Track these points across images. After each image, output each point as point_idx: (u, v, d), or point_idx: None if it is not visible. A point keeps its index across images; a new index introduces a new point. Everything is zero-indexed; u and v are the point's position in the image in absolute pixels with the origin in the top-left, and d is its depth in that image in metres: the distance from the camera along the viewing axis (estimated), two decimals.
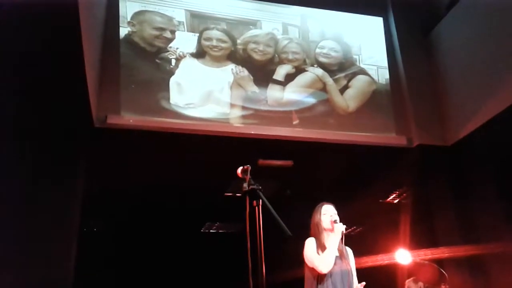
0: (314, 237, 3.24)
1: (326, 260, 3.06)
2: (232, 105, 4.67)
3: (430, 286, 4.25)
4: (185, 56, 4.72)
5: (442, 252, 4.78)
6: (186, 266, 7.18)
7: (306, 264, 3.18)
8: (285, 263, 4.25)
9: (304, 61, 5.13)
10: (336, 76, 5.16)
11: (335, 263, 3.08)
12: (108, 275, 6.51)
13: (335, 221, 3.20)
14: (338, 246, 3.17)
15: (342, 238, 3.17)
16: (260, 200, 2.23)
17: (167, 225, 6.65)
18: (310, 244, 3.21)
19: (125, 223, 6.50)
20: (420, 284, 4.28)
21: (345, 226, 3.20)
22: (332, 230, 3.20)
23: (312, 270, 3.11)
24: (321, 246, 3.17)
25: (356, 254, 3.26)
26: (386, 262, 4.94)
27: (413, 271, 4.51)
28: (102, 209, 5.73)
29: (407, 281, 4.40)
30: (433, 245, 4.96)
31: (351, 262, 3.24)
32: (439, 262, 4.62)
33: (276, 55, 5.06)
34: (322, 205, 3.36)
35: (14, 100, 3.61)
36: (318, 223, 3.26)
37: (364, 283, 3.16)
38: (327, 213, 3.28)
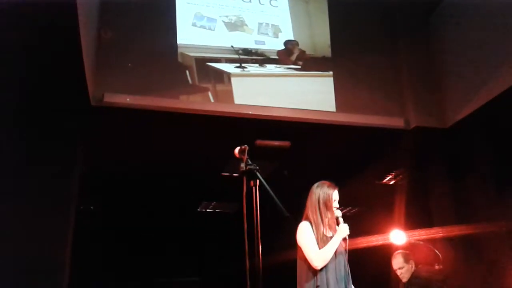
0: (313, 221, 3.09)
1: (324, 257, 2.96)
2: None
3: (422, 266, 4.31)
4: None
5: (436, 233, 4.83)
6: (182, 245, 7.24)
7: (300, 249, 3.07)
8: (282, 244, 4.28)
9: None
10: None
11: (335, 253, 3.01)
12: (104, 253, 6.57)
13: (337, 219, 3.09)
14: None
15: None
16: (257, 180, 2.23)
17: (163, 204, 6.68)
18: (306, 230, 3.06)
19: (122, 202, 6.52)
20: (412, 262, 4.33)
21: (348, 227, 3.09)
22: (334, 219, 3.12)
23: (306, 260, 3.02)
24: (319, 235, 3.04)
25: (352, 235, 3.24)
26: (381, 242, 4.99)
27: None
28: (99, 188, 5.74)
29: (396, 252, 4.43)
30: (428, 226, 5.01)
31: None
32: (434, 243, 4.67)
33: None
34: (333, 188, 3.18)
35: (10, 78, 3.58)
36: (324, 205, 3.11)
37: None
38: (335, 202, 3.14)
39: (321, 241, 3.04)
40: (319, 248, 3.01)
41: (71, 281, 3.90)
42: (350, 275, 3.10)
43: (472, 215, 4.69)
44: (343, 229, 3.06)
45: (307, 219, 3.15)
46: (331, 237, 3.07)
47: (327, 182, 3.23)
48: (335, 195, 3.18)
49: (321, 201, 3.14)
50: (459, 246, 4.73)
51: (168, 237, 7.22)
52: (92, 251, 6.12)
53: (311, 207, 3.16)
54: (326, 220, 3.12)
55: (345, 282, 3.03)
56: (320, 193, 3.16)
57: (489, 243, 4.56)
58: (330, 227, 3.14)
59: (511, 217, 4.41)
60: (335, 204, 3.16)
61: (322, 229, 3.10)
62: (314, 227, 3.08)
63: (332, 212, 3.14)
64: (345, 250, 3.11)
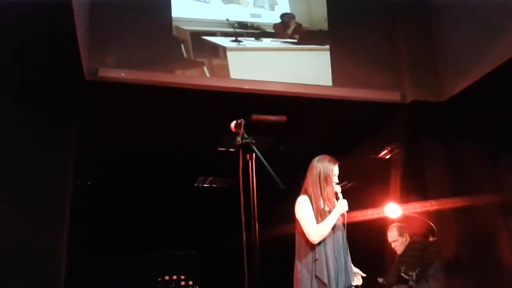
0: (312, 195, 3.11)
1: (321, 232, 2.99)
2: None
3: (417, 238, 4.37)
4: None
5: (431, 206, 4.88)
6: (180, 220, 7.29)
7: (298, 223, 3.11)
8: (278, 217, 4.32)
9: None
10: None
11: (333, 227, 3.04)
12: (101, 229, 6.61)
13: (336, 194, 3.12)
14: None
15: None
16: (254, 154, 2.24)
17: (160, 179, 6.69)
18: (304, 204, 3.09)
19: (119, 177, 6.54)
20: (406, 236, 4.40)
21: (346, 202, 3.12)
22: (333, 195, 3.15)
23: (304, 234, 3.06)
24: (318, 209, 3.07)
25: (348, 209, 3.26)
26: (376, 216, 5.04)
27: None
28: (96, 163, 5.74)
29: (391, 225, 4.50)
30: (423, 200, 5.05)
31: None
32: (429, 216, 4.73)
33: None
34: (334, 162, 3.18)
35: (3, 54, 3.53)
36: (325, 180, 3.12)
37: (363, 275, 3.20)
38: (336, 177, 3.16)
39: (319, 215, 3.06)
40: (317, 223, 3.04)
41: (69, 256, 3.93)
42: (348, 249, 3.14)
43: (468, 188, 4.73)
44: (342, 204, 3.09)
45: (306, 193, 3.17)
46: (329, 212, 3.10)
47: (327, 157, 3.24)
48: (335, 170, 3.19)
49: (322, 175, 3.15)
50: (454, 218, 4.78)
51: (166, 212, 7.25)
52: (90, 226, 6.15)
53: (311, 181, 3.17)
54: (325, 195, 3.14)
55: (343, 255, 3.07)
56: (321, 167, 3.17)
57: (484, 215, 4.62)
58: (328, 202, 3.16)
59: (506, 190, 4.46)
60: (335, 179, 3.18)
61: (320, 204, 3.12)
62: (312, 201, 3.11)
63: (332, 187, 3.16)
64: (343, 225, 3.15)
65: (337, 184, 3.19)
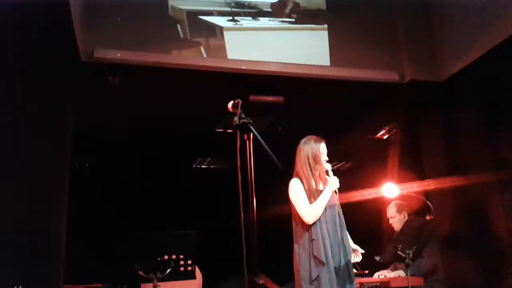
0: (303, 177, 3.14)
1: (315, 212, 3.02)
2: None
3: (413, 217, 4.41)
4: None
5: (428, 185, 4.91)
6: (178, 201, 7.32)
7: (293, 206, 3.13)
8: (276, 197, 4.33)
9: None
10: None
11: (327, 205, 3.07)
12: (99, 211, 6.63)
13: (327, 172, 3.13)
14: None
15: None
16: (251, 134, 2.23)
17: (158, 161, 6.70)
18: (297, 187, 3.11)
19: (117, 158, 6.53)
20: (404, 213, 4.44)
21: (337, 179, 3.14)
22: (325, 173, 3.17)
23: (299, 216, 3.09)
24: (310, 190, 3.10)
25: (346, 189, 3.28)
26: (374, 196, 5.08)
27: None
28: (93, 144, 5.73)
29: (392, 203, 4.55)
30: (421, 179, 5.08)
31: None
32: (426, 195, 4.76)
33: None
34: (320, 141, 3.21)
35: None
36: (314, 160, 3.14)
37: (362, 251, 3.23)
38: (324, 155, 3.18)
39: (312, 196, 3.09)
40: (310, 203, 3.06)
41: (68, 237, 3.95)
42: (344, 226, 3.16)
43: (465, 167, 4.75)
44: (333, 182, 3.11)
45: (297, 175, 3.20)
46: (323, 191, 3.12)
47: (313, 137, 3.26)
48: (322, 148, 3.21)
49: (310, 156, 3.18)
50: (452, 197, 4.81)
51: (165, 193, 7.28)
52: (88, 208, 6.17)
53: (300, 164, 3.20)
54: (316, 174, 3.17)
55: (339, 232, 3.09)
56: (308, 148, 3.20)
57: (480, 194, 4.65)
58: (321, 181, 3.18)
59: (502, 168, 4.48)
60: (324, 157, 3.19)
61: (312, 184, 3.14)
62: (304, 183, 3.13)
63: (322, 166, 3.18)
64: (337, 202, 3.17)
65: (327, 162, 3.21)
